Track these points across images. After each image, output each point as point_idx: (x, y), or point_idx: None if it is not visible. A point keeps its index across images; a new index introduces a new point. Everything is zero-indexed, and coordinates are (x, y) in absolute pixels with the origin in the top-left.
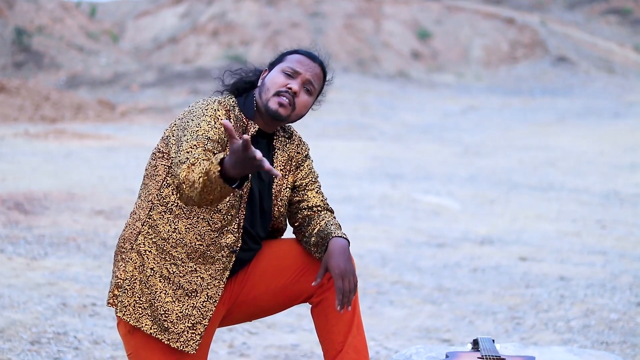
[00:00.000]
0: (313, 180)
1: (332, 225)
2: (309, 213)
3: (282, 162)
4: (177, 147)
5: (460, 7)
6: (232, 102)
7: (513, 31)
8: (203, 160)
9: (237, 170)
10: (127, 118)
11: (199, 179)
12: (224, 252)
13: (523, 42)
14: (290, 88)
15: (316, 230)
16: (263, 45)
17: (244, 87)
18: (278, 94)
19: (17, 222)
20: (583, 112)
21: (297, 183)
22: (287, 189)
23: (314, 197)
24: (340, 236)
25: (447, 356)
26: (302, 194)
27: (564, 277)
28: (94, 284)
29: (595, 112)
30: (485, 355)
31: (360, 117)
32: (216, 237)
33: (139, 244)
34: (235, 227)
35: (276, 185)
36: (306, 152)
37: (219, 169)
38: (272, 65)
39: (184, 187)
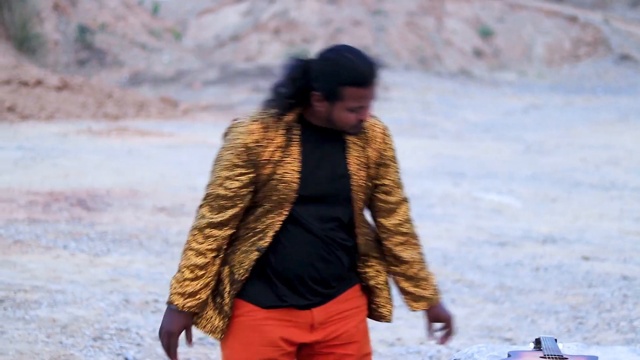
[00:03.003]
0: (395, 176)
1: (421, 278)
2: (384, 211)
3: (357, 158)
4: (209, 179)
5: (522, 4)
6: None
7: (576, 29)
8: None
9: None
10: (190, 116)
11: (186, 260)
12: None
13: (586, 40)
14: (363, 119)
15: (400, 269)
16: (325, 43)
17: (291, 105)
18: (353, 127)
19: (80, 219)
20: None
21: (376, 180)
22: (366, 185)
23: (394, 198)
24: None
25: (509, 355)
26: (380, 187)
27: (627, 277)
28: (156, 280)
29: None
30: (548, 355)
31: (422, 115)
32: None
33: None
34: (267, 232)
35: (354, 181)
36: (389, 141)
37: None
38: (326, 94)
39: (193, 229)
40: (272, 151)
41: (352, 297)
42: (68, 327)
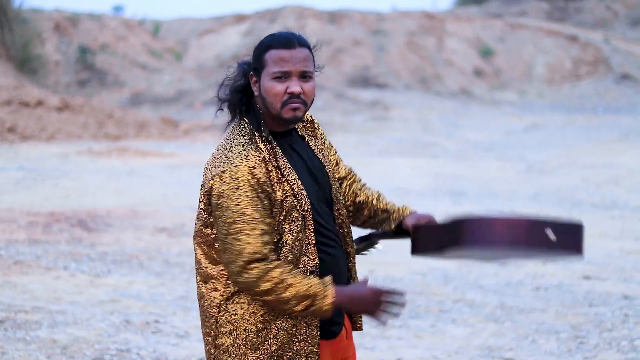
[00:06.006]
0: (334, 150)
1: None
2: (346, 185)
3: (319, 148)
4: (227, 236)
5: (523, 24)
6: (250, 129)
7: (576, 49)
8: (279, 264)
9: (346, 304)
10: (190, 136)
11: (289, 295)
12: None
13: (586, 59)
14: (292, 92)
15: (376, 208)
16: (326, 63)
17: (241, 104)
18: (285, 103)
19: (80, 240)
20: None
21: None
22: (333, 175)
23: (343, 167)
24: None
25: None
26: (337, 168)
27: (628, 296)
28: (157, 301)
29: None
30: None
31: (423, 134)
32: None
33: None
34: (308, 248)
35: (329, 171)
36: (318, 125)
37: (328, 307)
38: (256, 70)
39: (257, 289)
40: (274, 171)
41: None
42: (68, 348)
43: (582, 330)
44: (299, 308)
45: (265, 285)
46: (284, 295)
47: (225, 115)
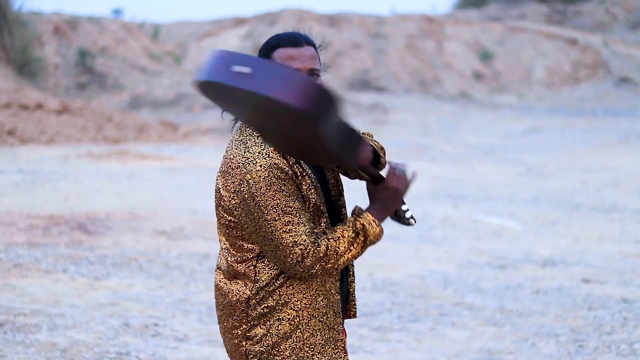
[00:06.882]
0: None
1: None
2: None
3: None
4: (274, 232)
5: (522, 27)
6: None
7: (575, 52)
8: (326, 234)
9: (387, 214)
10: (190, 139)
11: (344, 247)
12: None
13: (585, 62)
14: None
15: None
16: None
17: None
18: None
19: (79, 243)
20: None
21: None
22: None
23: None
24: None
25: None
26: None
27: (627, 299)
28: (156, 304)
29: None
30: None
31: (422, 137)
32: None
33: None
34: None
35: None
36: None
37: (379, 228)
38: None
39: (319, 265)
40: (295, 166)
41: None
42: (68, 351)
43: (582, 334)
44: (356, 250)
45: (327, 257)
46: (340, 249)
47: (226, 117)
